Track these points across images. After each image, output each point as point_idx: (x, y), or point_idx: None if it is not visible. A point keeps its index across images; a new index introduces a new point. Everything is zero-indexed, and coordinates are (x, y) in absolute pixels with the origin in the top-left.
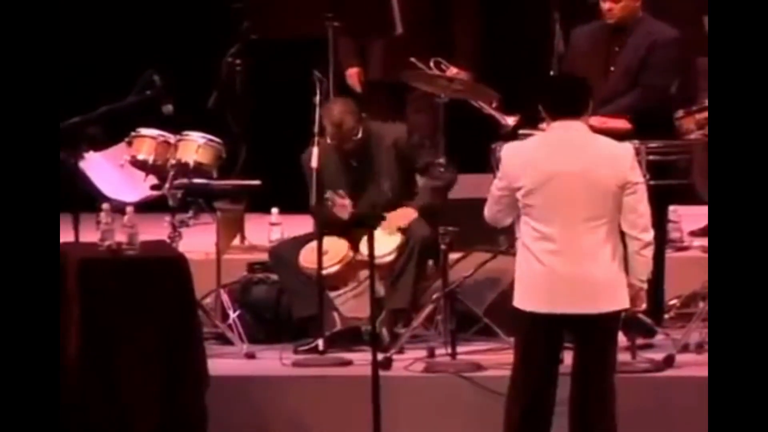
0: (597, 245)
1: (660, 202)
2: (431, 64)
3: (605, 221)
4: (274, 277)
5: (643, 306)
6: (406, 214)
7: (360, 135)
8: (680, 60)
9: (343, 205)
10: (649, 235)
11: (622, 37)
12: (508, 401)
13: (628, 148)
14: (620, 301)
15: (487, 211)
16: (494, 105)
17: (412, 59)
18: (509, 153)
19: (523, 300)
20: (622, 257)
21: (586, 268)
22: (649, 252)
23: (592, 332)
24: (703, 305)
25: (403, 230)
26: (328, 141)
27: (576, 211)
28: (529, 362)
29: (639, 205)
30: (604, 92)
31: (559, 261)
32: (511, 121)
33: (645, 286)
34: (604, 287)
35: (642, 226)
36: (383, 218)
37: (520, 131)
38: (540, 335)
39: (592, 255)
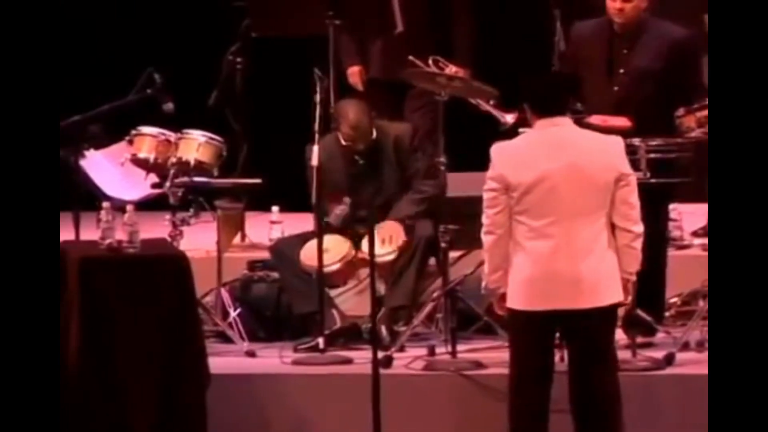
0: (593, 240)
1: (660, 200)
2: (430, 62)
3: (600, 215)
4: (275, 275)
5: (629, 299)
6: (394, 229)
7: (375, 135)
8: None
9: (336, 214)
10: (640, 227)
11: (628, 39)
12: (510, 401)
13: (617, 140)
14: (617, 294)
15: (486, 218)
16: (493, 102)
17: (411, 57)
18: (499, 153)
19: (520, 299)
20: (615, 250)
21: (584, 263)
22: (638, 244)
23: (590, 327)
24: (703, 303)
25: (405, 232)
26: (343, 143)
27: (571, 207)
28: (527, 361)
29: (631, 197)
30: (618, 94)
31: (556, 258)
32: (510, 118)
33: (633, 278)
34: (601, 281)
35: (634, 218)
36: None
37: (520, 129)
38: (537, 334)
39: (588, 250)
